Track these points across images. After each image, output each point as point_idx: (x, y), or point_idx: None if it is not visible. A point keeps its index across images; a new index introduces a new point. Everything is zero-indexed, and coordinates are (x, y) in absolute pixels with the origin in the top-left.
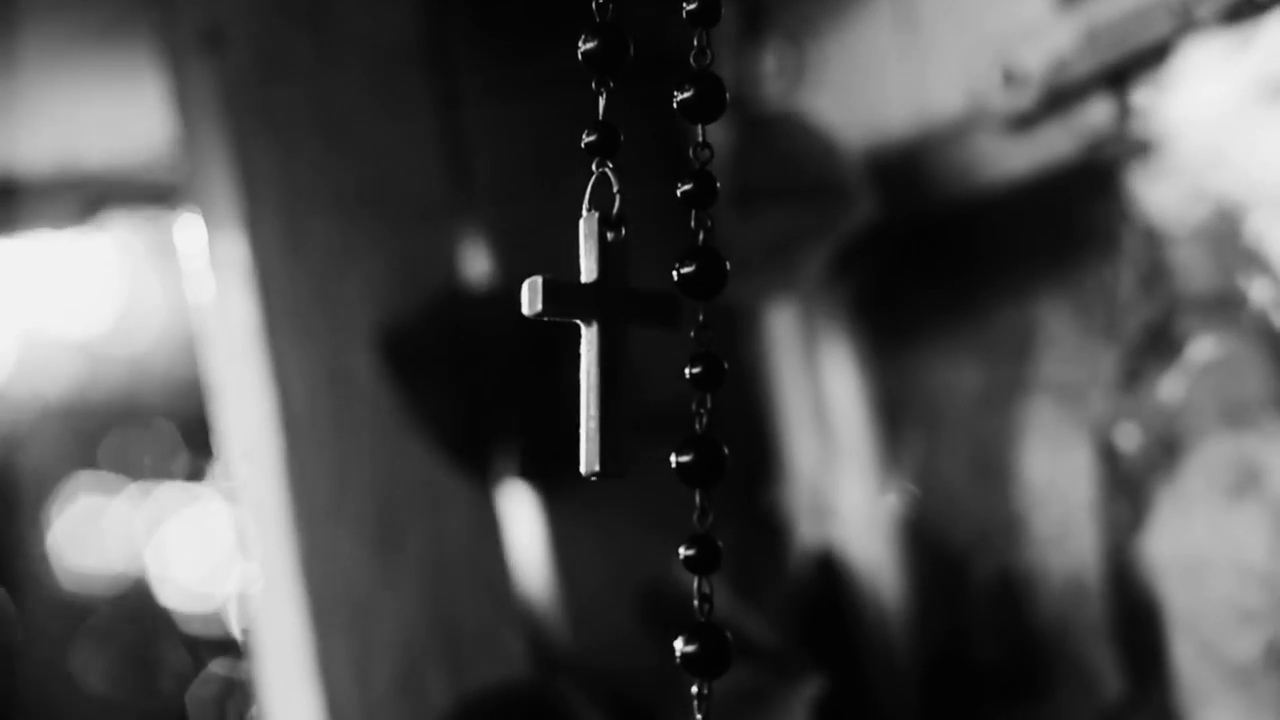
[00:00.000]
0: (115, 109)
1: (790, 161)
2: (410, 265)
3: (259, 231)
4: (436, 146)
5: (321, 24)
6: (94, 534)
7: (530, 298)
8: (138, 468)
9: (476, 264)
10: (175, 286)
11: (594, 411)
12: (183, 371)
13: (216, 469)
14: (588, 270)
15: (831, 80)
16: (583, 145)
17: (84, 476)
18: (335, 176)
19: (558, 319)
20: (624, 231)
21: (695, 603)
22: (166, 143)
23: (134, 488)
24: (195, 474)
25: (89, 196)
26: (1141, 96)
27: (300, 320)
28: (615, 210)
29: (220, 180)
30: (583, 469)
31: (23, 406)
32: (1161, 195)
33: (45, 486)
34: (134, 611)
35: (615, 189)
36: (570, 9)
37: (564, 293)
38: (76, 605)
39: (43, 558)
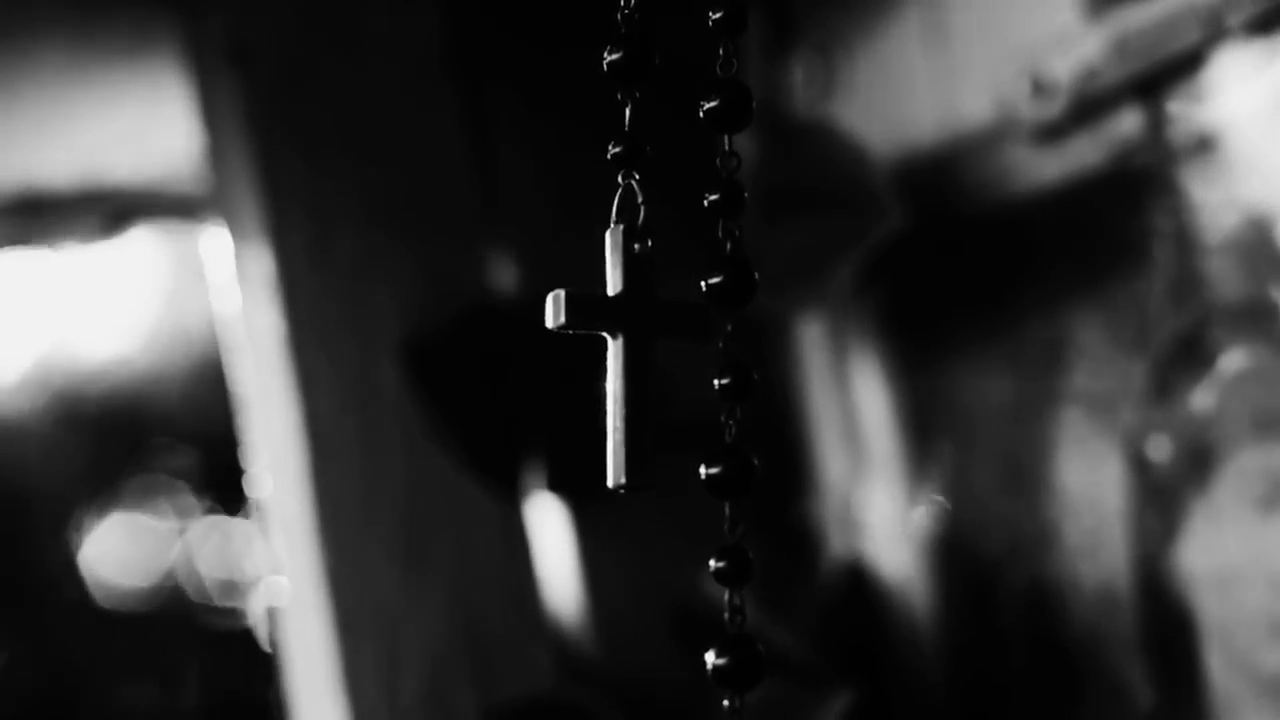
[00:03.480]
0: (141, 122)
1: (819, 172)
2: (438, 278)
3: (285, 244)
4: (464, 158)
5: (347, 36)
6: (126, 548)
7: (554, 311)
8: (166, 482)
9: (505, 276)
10: (201, 300)
11: (620, 424)
12: (209, 385)
13: (244, 482)
14: (613, 282)
15: (860, 91)
16: (609, 156)
17: (114, 491)
18: (362, 189)
19: (582, 332)
20: (650, 243)
21: (726, 615)
22: (192, 156)
23: (164, 502)
24: (223, 488)
25: (115, 210)
26: (1172, 106)
27: (327, 333)
28: (641, 221)
29: (246, 193)
30: (609, 482)
31: (51, 420)
32: (1192, 205)
33: (74, 501)
34: (167, 623)
35: (640, 200)
36: (599, 19)
37: (588, 305)
38: (110, 619)
39: (74, 572)
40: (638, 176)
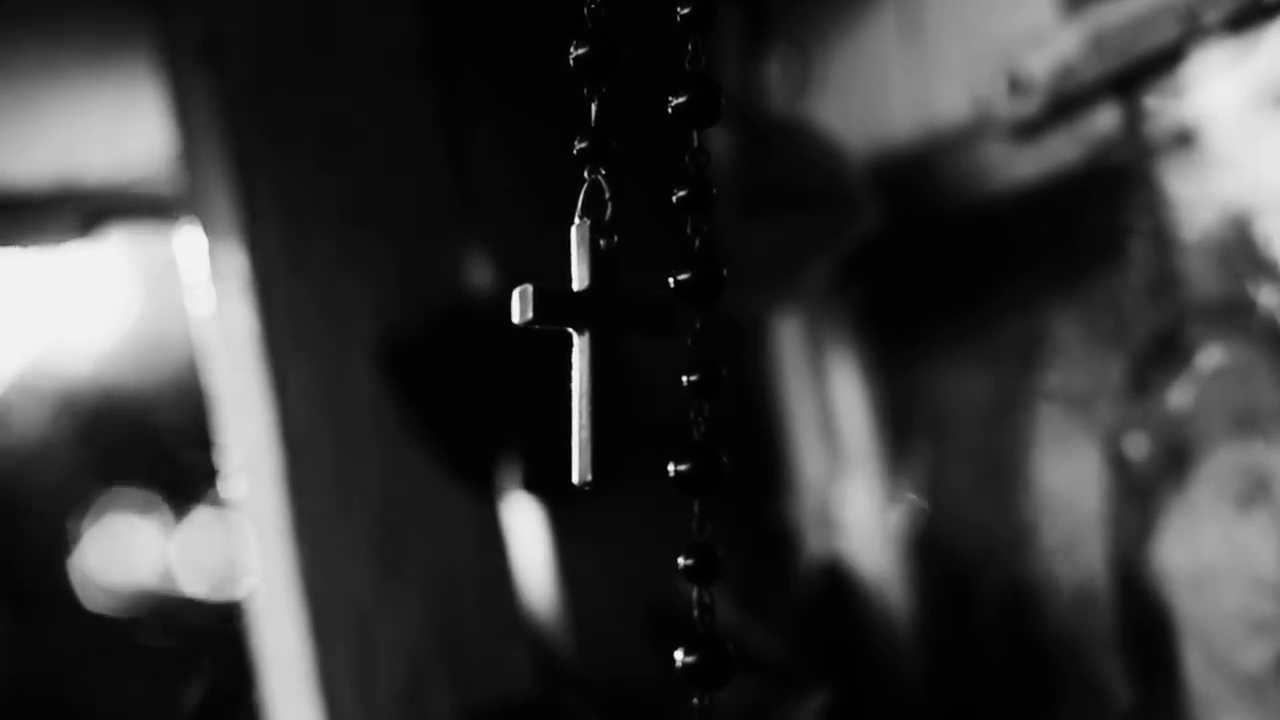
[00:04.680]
0: (114, 121)
1: (795, 170)
2: (412, 277)
3: (259, 243)
4: (438, 157)
5: (321, 34)
6: (117, 550)
7: (520, 306)
8: (142, 482)
9: (478, 275)
10: (176, 299)
11: (585, 421)
12: (184, 385)
13: (218, 482)
14: (579, 278)
15: (837, 88)
16: (575, 152)
17: (99, 493)
18: (336, 187)
19: (548, 327)
20: (616, 239)
21: (695, 613)
22: (166, 155)
23: (146, 502)
24: (198, 487)
25: (89, 210)
26: (1149, 102)
27: (301, 332)
28: (608, 217)
29: (220, 192)
30: (574, 479)
31: (27, 422)
32: (1170, 201)
33: (59, 503)
34: (160, 626)
35: (607, 195)
36: (572, 18)
37: (554, 301)
38: (103, 622)
39: (67, 575)
40: (604, 171)
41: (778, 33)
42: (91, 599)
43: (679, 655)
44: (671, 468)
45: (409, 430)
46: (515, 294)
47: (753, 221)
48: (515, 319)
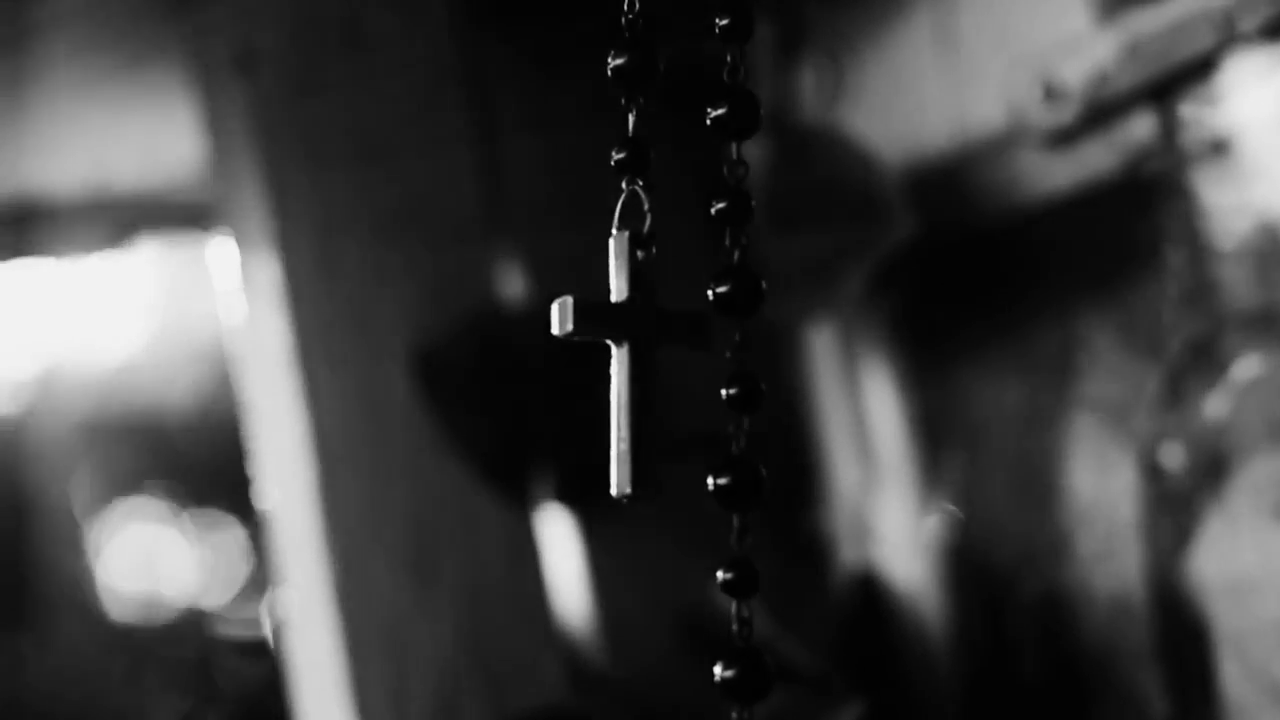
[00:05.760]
0: (147, 131)
1: (829, 179)
2: (445, 287)
3: (291, 253)
4: (471, 167)
5: (354, 45)
6: (148, 560)
7: (560, 318)
8: (174, 493)
9: (512, 285)
10: (208, 309)
11: (625, 433)
12: (215, 395)
13: (251, 493)
14: (618, 289)
15: (871, 97)
16: (612, 163)
17: (127, 501)
18: (368, 197)
19: (588, 339)
20: (654, 250)
21: (734, 627)
22: (199, 164)
23: (176, 512)
24: (230, 498)
25: (121, 219)
26: (1184, 110)
27: (333, 342)
28: (646, 229)
29: (252, 202)
30: (613, 491)
31: (56, 430)
32: (1205, 210)
33: (87, 512)
34: (183, 638)
35: (646, 207)
36: (606, 28)
37: (593, 312)
38: (123, 633)
39: (88, 585)
40: (641, 182)
41: (812, 42)
42: (117, 609)
43: (718, 669)
44: (711, 481)
45: (442, 441)
46: (555, 306)
47: (787, 231)
48: (555, 330)
